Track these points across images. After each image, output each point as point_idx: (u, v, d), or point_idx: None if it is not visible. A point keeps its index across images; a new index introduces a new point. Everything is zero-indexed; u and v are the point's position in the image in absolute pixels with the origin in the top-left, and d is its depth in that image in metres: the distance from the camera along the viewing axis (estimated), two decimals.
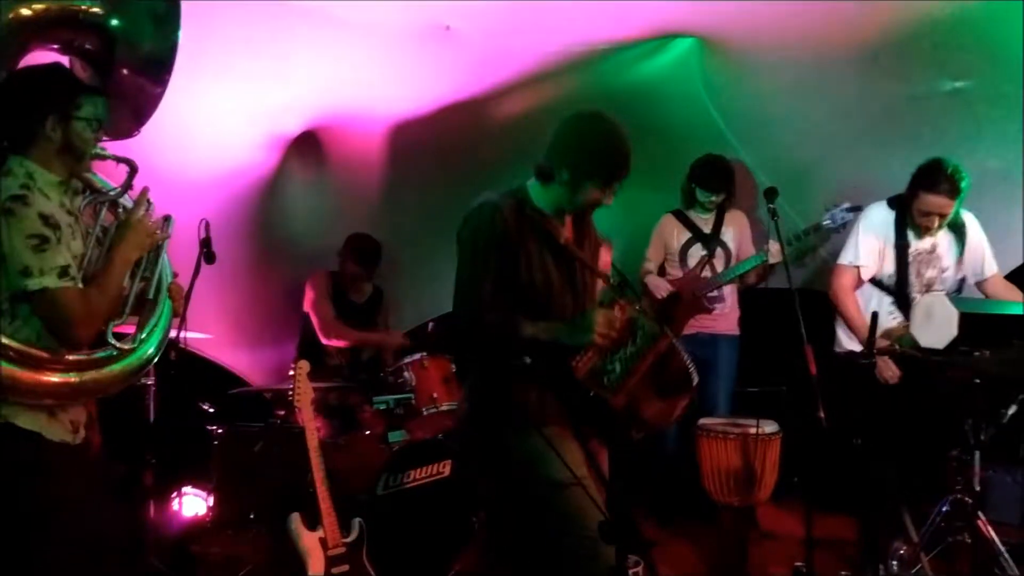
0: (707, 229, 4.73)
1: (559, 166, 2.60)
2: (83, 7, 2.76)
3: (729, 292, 4.73)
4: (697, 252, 4.70)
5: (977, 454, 3.37)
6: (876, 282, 3.89)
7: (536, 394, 2.57)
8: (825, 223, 4.34)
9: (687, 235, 4.73)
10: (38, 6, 2.71)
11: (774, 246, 4.40)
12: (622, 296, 2.59)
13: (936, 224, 3.73)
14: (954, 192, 3.63)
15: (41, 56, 2.76)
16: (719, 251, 4.71)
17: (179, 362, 3.94)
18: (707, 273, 4.66)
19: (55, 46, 2.80)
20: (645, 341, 2.51)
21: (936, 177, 3.63)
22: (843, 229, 4.26)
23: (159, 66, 2.89)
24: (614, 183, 2.60)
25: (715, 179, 4.62)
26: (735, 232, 4.76)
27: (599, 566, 2.45)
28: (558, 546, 2.56)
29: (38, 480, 2.29)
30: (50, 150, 2.36)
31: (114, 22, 2.79)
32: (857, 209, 4.17)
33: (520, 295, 2.60)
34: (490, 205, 2.63)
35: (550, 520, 2.57)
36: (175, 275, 2.66)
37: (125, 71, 2.83)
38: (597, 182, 2.58)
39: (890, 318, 3.81)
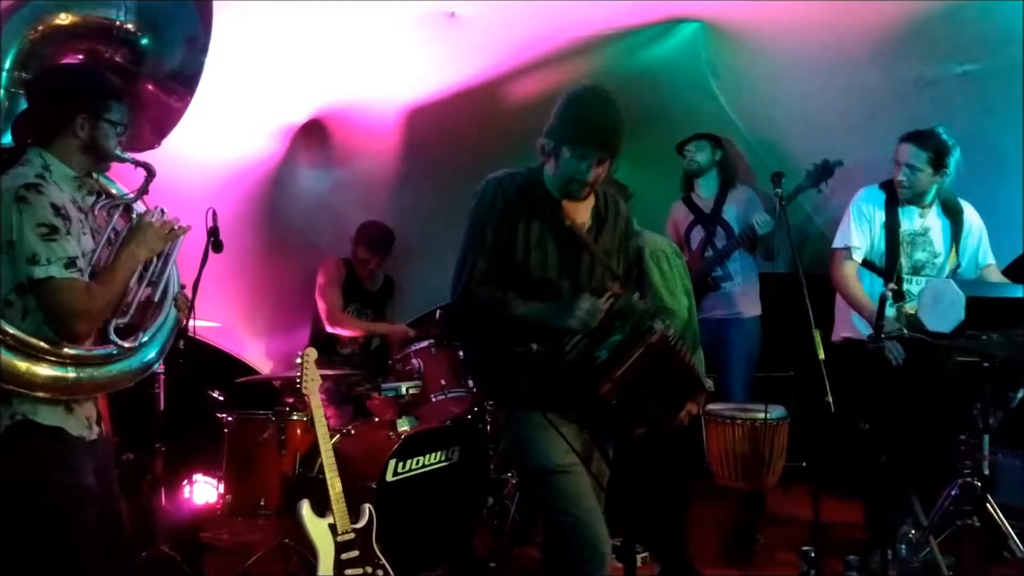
0: (707, 210, 4.76)
1: (546, 138, 2.60)
2: (118, 23, 2.81)
3: (740, 270, 4.71)
4: (698, 234, 4.75)
5: (986, 438, 3.36)
6: (867, 263, 3.86)
7: (529, 378, 2.54)
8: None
9: (690, 218, 4.80)
10: (73, 18, 2.74)
11: (762, 217, 4.44)
12: (618, 283, 2.56)
13: (905, 179, 3.71)
14: (924, 144, 3.64)
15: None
16: (719, 230, 4.71)
17: (188, 351, 3.95)
18: (708, 253, 4.68)
19: (81, 55, 2.83)
20: (633, 332, 2.46)
21: (915, 131, 3.68)
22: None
23: (184, 85, 2.95)
24: (587, 149, 2.53)
25: (694, 138, 4.70)
26: (738, 208, 4.75)
27: (586, 552, 2.47)
28: (548, 526, 2.59)
29: (63, 474, 2.31)
30: (73, 146, 2.39)
31: (145, 41, 2.85)
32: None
33: (515, 273, 2.58)
34: (494, 180, 2.64)
35: (539, 502, 2.59)
36: (183, 286, 2.67)
37: (150, 86, 2.89)
38: (570, 147, 2.53)
39: None
